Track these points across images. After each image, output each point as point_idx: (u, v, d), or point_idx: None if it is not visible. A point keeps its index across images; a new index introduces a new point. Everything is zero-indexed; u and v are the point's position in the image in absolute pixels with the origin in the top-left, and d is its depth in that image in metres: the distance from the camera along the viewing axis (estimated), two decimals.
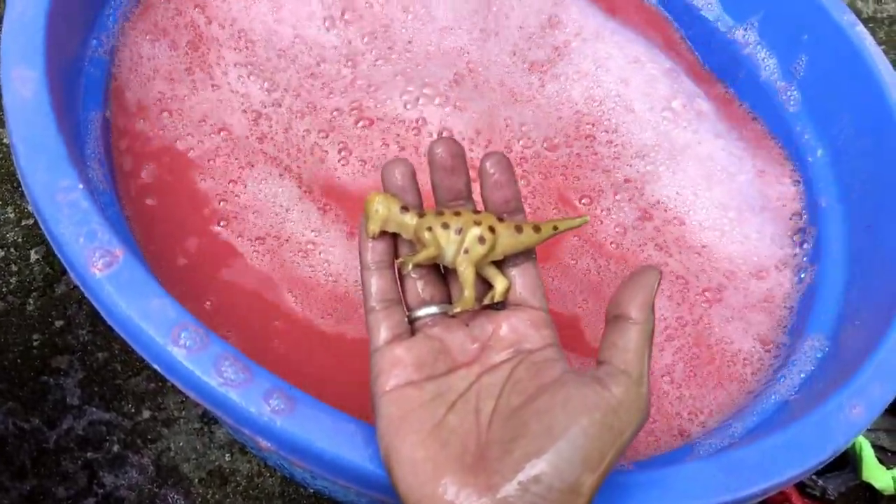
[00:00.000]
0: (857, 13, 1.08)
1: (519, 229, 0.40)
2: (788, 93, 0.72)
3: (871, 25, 1.06)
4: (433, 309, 0.41)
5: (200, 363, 0.41)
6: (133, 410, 0.67)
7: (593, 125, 0.66)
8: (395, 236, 0.41)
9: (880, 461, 0.68)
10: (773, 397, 0.56)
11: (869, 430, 0.69)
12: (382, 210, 0.39)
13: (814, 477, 0.68)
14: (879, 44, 1.03)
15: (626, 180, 0.63)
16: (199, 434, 0.67)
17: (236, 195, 0.59)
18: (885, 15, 1.08)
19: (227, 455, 0.66)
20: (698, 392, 0.57)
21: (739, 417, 0.56)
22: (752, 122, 0.72)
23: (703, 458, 0.46)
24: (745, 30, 0.75)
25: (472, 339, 0.40)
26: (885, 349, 0.51)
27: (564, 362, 0.38)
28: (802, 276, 0.63)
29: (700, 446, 0.53)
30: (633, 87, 0.68)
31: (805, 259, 0.64)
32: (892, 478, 0.63)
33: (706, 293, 0.59)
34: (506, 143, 0.64)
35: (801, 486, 0.68)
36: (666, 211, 0.62)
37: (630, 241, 0.62)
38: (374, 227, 0.40)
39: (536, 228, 0.40)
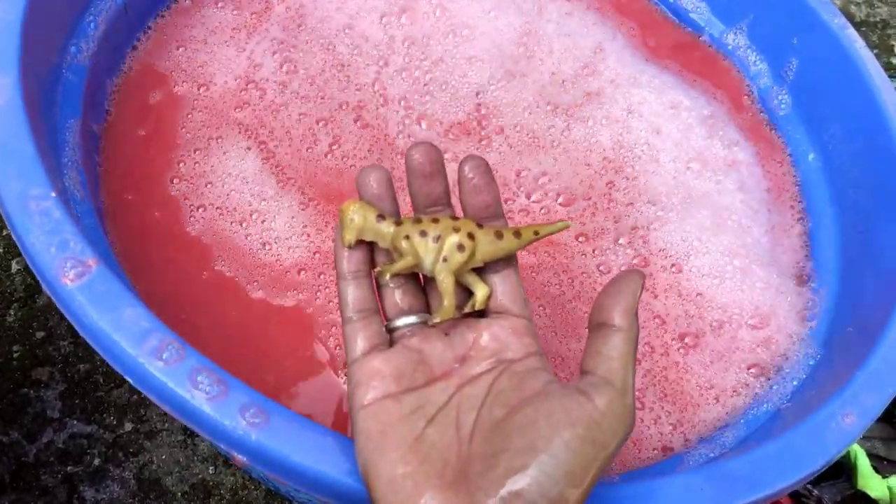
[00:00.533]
0: (850, 17, 1.07)
1: (499, 235, 0.39)
2: (779, 96, 0.71)
3: (863, 29, 1.06)
4: (412, 319, 0.40)
5: (175, 376, 0.40)
6: (115, 423, 0.65)
7: (617, 171, 0.65)
8: (371, 245, 0.40)
9: (876, 470, 0.67)
10: (764, 406, 0.55)
11: (864, 439, 0.68)
12: (358, 219, 0.38)
13: (808, 486, 0.67)
14: (872, 48, 1.03)
15: (634, 228, 0.62)
16: (182, 447, 0.65)
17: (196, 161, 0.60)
18: (877, 19, 1.08)
19: (211, 468, 0.65)
20: (681, 408, 0.56)
21: (731, 426, 0.55)
22: (783, 173, 0.70)
23: (692, 470, 0.44)
24: (735, 34, 0.74)
25: (452, 350, 0.39)
26: (878, 357, 0.50)
27: (548, 371, 0.37)
28: (809, 323, 0.61)
29: (690, 456, 0.52)
30: (664, 136, 0.67)
31: (812, 309, 0.62)
32: (888, 487, 0.62)
33: (685, 339, 0.58)
34: (511, 195, 0.63)
35: (796, 496, 0.67)
36: (666, 258, 0.61)
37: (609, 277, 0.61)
38: (350, 237, 0.39)
39: (517, 234, 0.39)
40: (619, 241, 0.61)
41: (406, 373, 0.37)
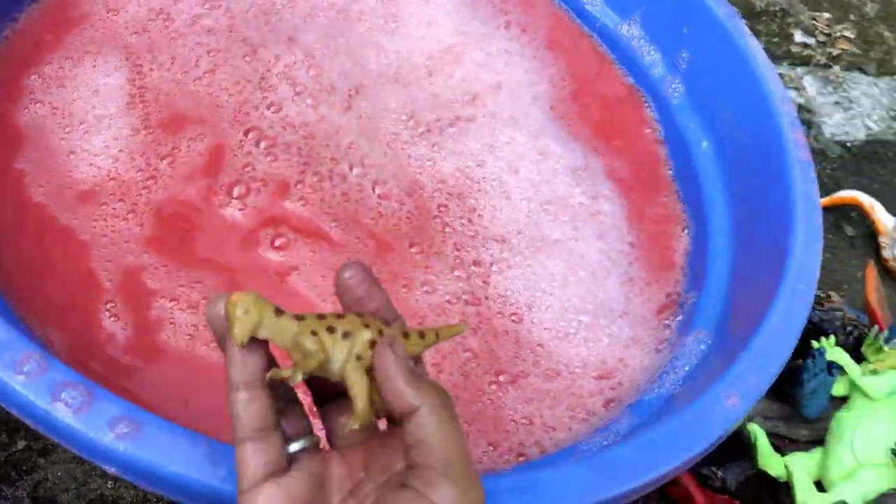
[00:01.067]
0: (751, 6, 1.09)
1: (406, 335, 0.35)
2: (673, 85, 0.72)
3: (764, 18, 1.08)
4: (310, 440, 0.35)
5: (37, 389, 0.39)
6: (6, 441, 0.63)
7: (456, 196, 0.64)
8: (266, 347, 0.34)
9: (778, 449, 0.68)
10: (657, 391, 0.56)
11: (765, 419, 0.70)
12: (254, 313, 0.32)
13: (713, 468, 0.68)
14: (772, 36, 1.05)
15: (476, 262, 0.60)
16: (79, 462, 0.63)
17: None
18: (777, 8, 1.10)
19: (110, 483, 0.63)
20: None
21: (626, 414, 0.55)
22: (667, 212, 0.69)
23: (577, 460, 0.45)
24: (629, 25, 0.75)
25: (349, 468, 0.34)
26: (760, 339, 0.51)
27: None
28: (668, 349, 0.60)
29: (584, 444, 0.52)
30: (521, 177, 0.66)
31: (673, 340, 0.61)
32: (785, 465, 0.64)
33: (500, 376, 0.56)
34: (329, 156, 0.63)
35: (701, 479, 0.68)
36: (506, 305, 0.59)
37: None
38: (243, 334, 0.32)
39: (421, 335, 0.36)
40: (456, 273, 0.60)
41: (305, 500, 0.33)
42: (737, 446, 0.68)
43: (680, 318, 0.62)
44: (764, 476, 0.67)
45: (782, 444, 0.70)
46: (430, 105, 0.70)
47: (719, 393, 0.48)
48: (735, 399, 0.48)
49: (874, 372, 0.63)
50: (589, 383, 0.57)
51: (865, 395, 0.63)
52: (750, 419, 0.69)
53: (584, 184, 0.68)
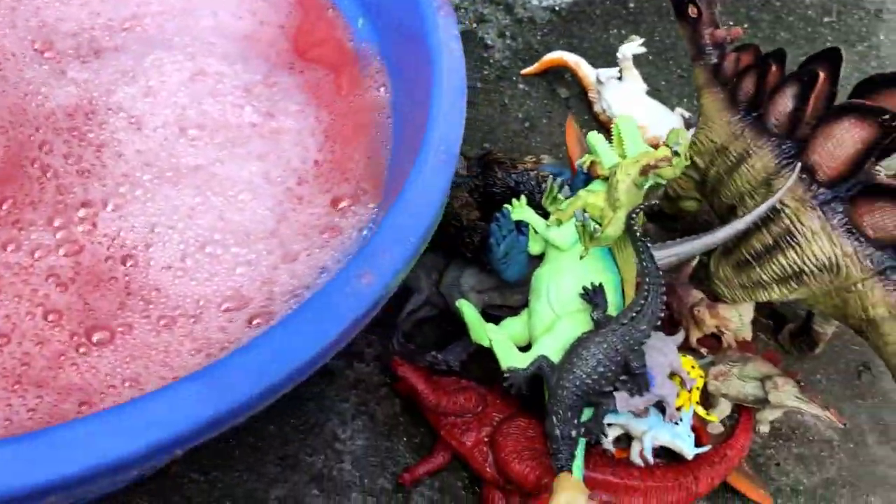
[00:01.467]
0: None
1: None
2: None
3: None
4: None
5: None
6: None
7: (67, 131, 0.56)
8: None
9: (499, 319, 0.66)
10: (307, 293, 0.52)
11: (479, 292, 0.68)
12: None
13: (433, 353, 0.67)
14: None
15: (85, 204, 0.53)
16: None
17: None
18: None
19: None
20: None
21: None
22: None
23: (190, 377, 0.40)
24: None
25: None
26: (396, 211, 0.48)
27: None
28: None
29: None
30: (159, 102, 0.58)
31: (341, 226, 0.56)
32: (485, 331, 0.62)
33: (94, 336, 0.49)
34: None
35: (429, 368, 0.66)
36: (118, 248, 0.52)
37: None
38: None
39: None
40: (56, 222, 0.52)
41: None
42: (460, 327, 0.66)
43: (353, 207, 0.58)
44: (484, 349, 0.66)
45: (502, 313, 0.68)
46: (77, 28, 0.62)
47: (350, 274, 0.45)
48: (370, 277, 0.45)
49: (559, 223, 0.62)
50: (218, 317, 0.51)
51: (556, 247, 0.62)
52: (462, 295, 0.67)
53: (259, 101, 0.61)
